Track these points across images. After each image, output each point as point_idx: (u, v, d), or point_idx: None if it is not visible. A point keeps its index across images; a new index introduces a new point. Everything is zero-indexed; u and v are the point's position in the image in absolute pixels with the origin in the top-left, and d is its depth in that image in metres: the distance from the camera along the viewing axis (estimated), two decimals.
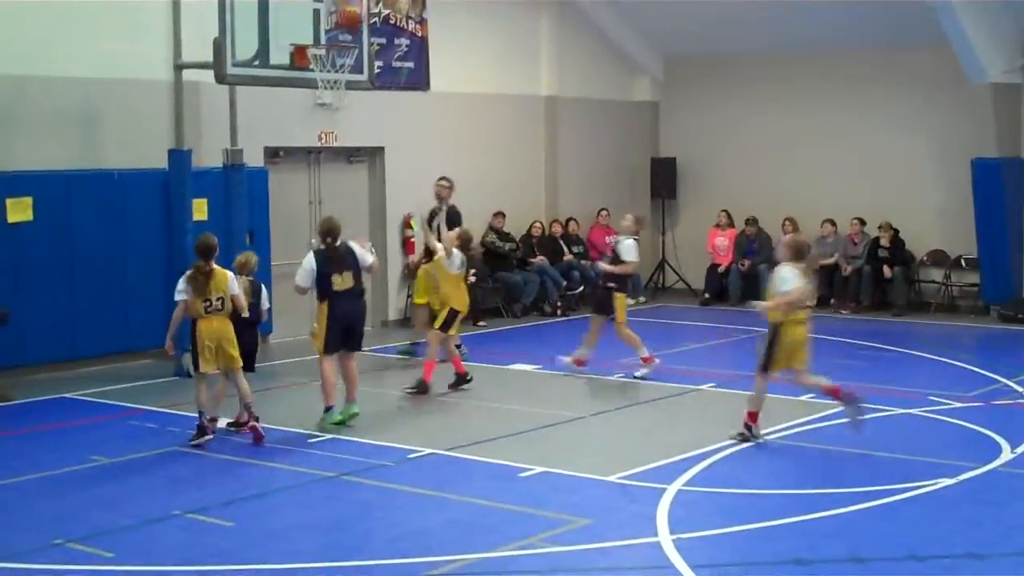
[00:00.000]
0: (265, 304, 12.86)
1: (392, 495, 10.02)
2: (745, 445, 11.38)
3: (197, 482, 10.43)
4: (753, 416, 11.55)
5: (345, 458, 11.05)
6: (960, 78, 19.42)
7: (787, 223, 21.64)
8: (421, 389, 13.68)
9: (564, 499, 9.84)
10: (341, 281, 12.18)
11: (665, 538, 8.74)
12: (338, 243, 12.29)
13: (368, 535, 9.02)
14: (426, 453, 11.23)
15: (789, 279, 11.24)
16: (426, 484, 10.29)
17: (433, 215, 16.13)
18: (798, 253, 11.54)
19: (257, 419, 11.73)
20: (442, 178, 16.57)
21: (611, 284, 14.96)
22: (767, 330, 11.44)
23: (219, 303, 11.56)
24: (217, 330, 11.55)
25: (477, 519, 9.34)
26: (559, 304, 20.34)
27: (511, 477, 10.45)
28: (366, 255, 12.55)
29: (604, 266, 15.10)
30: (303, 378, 14.69)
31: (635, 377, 14.66)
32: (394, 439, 11.73)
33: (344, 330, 12.28)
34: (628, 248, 14.87)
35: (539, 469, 10.60)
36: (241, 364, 11.78)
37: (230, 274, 11.80)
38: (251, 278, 12.62)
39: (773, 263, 21.23)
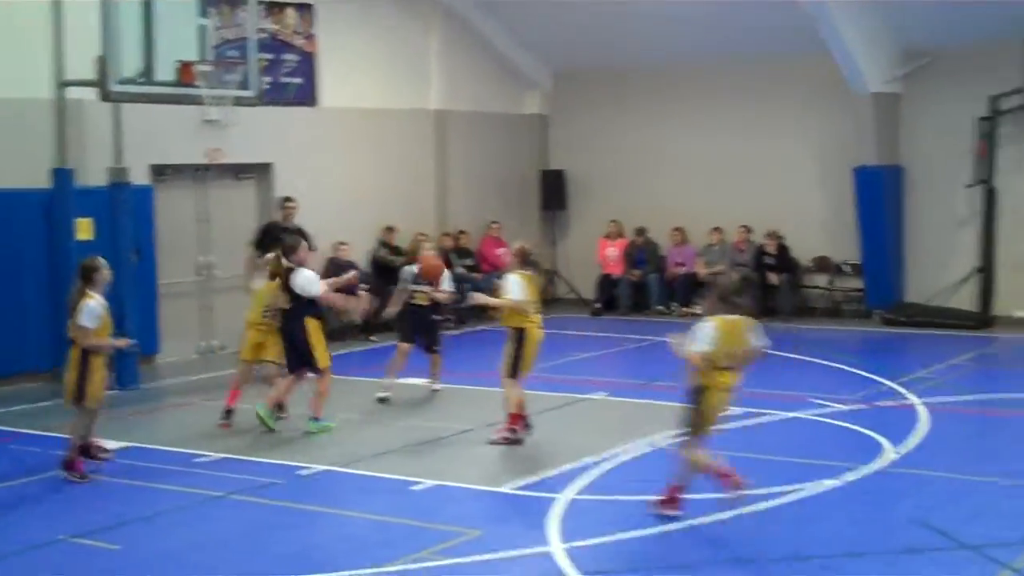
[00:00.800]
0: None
1: (282, 513, 9.97)
2: (640, 452, 11.51)
3: (82, 506, 10.28)
4: (515, 418, 11.98)
5: (233, 477, 10.96)
6: (842, 87, 19.85)
7: (675, 232, 21.96)
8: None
9: (456, 511, 9.87)
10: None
11: (556, 547, 8.81)
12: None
13: (257, 554, 8.96)
14: (316, 470, 11.18)
15: (515, 286, 11.81)
16: (317, 501, 10.26)
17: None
18: (524, 260, 12.01)
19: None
20: (288, 199, 16.37)
21: (439, 317, 14.76)
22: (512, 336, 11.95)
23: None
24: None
25: (369, 534, 9.33)
26: (451, 316, 20.34)
27: (403, 491, 10.45)
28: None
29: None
30: (188, 398, 14.55)
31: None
32: (283, 456, 11.66)
33: None
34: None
35: (431, 482, 10.62)
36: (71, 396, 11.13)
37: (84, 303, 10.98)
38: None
39: (662, 272, 21.77)
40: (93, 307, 10.90)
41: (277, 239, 15.06)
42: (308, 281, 12.41)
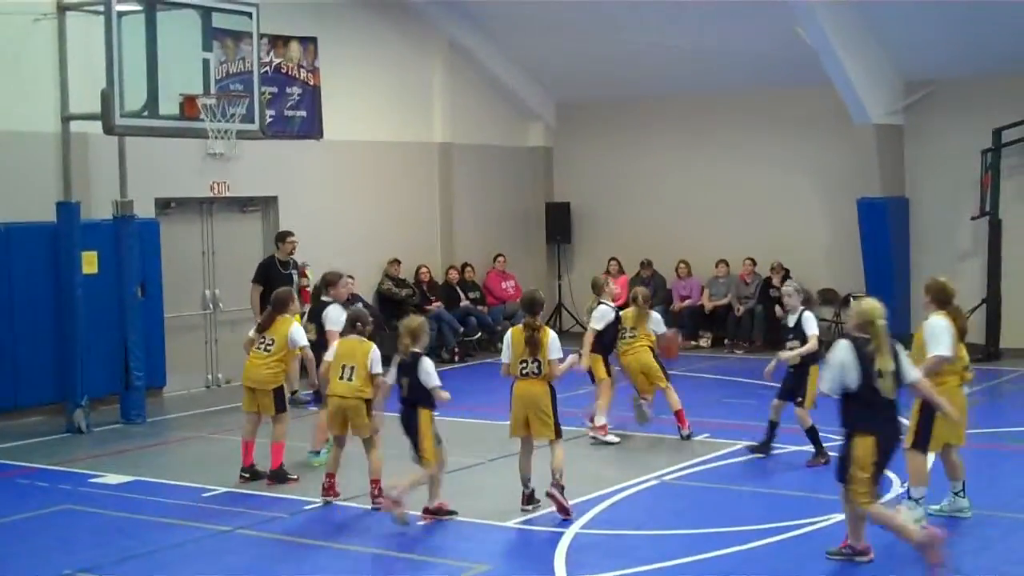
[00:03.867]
0: None
1: (288, 548, 9.92)
2: (644, 487, 11.46)
3: (90, 540, 10.23)
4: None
5: (239, 511, 10.92)
6: (845, 119, 19.86)
7: (681, 265, 21.95)
8: None
9: (463, 546, 9.82)
10: None
11: None
12: None
13: None
14: (322, 504, 11.13)
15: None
16: (322, 535, 10.22)
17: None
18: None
19: None
20: (288, 233, 16.40)
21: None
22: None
23: None
24: None
25: (376, 569, 9.28)
26: (456, 350, 20.33)
27: (410, 525, 10.39)
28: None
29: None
30: (195, 431, 14.51)
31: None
32: (289, 491, 11.61)
33: None
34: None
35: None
36: None
37: None
38: None
39: (668, 305, 21.73)
40: None
41: (275, 274, 15.13)
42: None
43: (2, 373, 15.12)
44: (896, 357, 8.96)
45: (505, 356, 10.75)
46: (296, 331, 11.97)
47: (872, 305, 9.10)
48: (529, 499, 10.65)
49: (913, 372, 9.12)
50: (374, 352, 10.87)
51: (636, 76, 21.85)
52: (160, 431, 14.85)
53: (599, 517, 10.46)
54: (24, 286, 15.25)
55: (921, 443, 9.96)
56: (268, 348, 11.85)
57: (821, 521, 10.11)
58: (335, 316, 12.14)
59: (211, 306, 17.96)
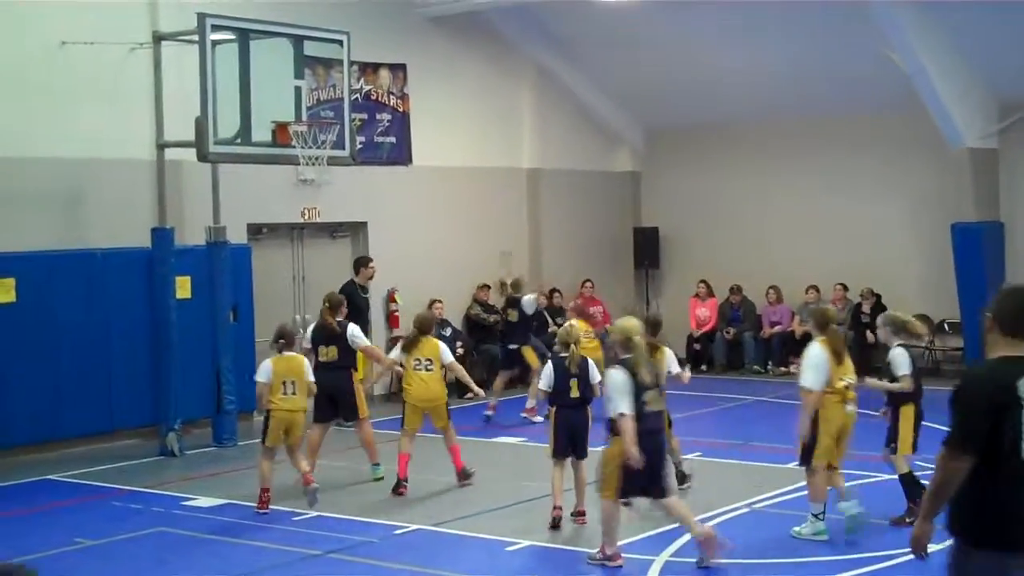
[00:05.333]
0: None
1: (380, 572, 9.93)
2: (735, 514, 11.34)
3: (182, 563, 10.32)
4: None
5: (331, 535, 10.97)
6: (938, 144, 19.59)
7: (771, 291, 21.76)
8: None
9: (552, 573, 9.78)
10: (325, 352, 12.99)
11: None
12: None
13: None
14: (412, 528, 11.16)
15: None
16: (414, 560, 10.22)
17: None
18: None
19: None
20: (368, 258, 16.59)
21: None
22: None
23: None
24: None
25: None
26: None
27: (499, 552, 10.38)
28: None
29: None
30: (285, 455, 14.59)
31: None
32: (379, 515, 11.66)
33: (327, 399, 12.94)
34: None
35: (526, 543, 10.55)
36: None
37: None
38: None
39: (758, 331, 21.55)
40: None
41: (357, 300, 15.35)
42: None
43: (98, 396, 15.37)
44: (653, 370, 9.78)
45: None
46: (444, 349, 12.91)
47: (631, 323, 9.81)
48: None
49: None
50: (307, 364, 12.15)
51: (723, 101, 21.74)
52: (251, 454, 14.90)
53: (688, 545, 10.33)
54: (119, 311, 15.51)
55: (805, 460, 10.56)
56: (429, 368, 12.69)
57: (902, 556, 9.92)
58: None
59: (301, 330, 18.04)
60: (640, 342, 9.62)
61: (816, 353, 10.46)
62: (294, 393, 11.88)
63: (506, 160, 21.55)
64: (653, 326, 12.01)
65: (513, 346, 17.50)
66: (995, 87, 19.45)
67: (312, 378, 12.11)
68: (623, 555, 9.84)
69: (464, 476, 12.91)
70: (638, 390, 9.42)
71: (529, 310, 17.14)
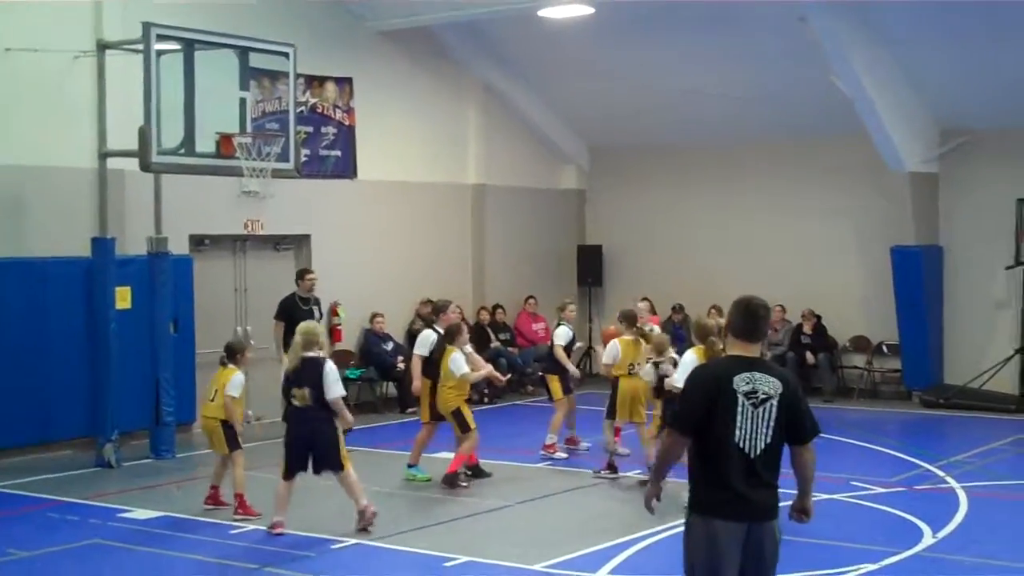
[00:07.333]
0: None
1: None
2: (677, 531, 11.37)
3: (114, 574, 10.23)
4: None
5: (268, 549, 10.91)
6: (880, 167, 19.81)
7: (712, 310, 21.83)
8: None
9: None
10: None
11: None
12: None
13: None
14: (350, 543, 11.11)
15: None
16: (348, 575, 10.17)
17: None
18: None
19: None
20: (307, 270, 16.50)
21: None
22: None
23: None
24: None
25: None
26: (486, 391, 20.28)
27: (436, 567, 10.34)
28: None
29: None
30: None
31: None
32: (316, 528, 11.59)
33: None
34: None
35: (464, 558, 10.52)
36: None
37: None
38: None
39: None
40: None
41: (297, 311, 15.23)
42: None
43: (34, 406, 15.19)
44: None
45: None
46: (455, 359, 13.24)
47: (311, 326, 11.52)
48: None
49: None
50: (235, 378, 12.13)
51: (669, 122, 21.87)
52: (189, 467, 14.85)
53: (628, 561, 10.36)
54: (58, 320, 15.35)
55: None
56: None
57: (850, 571, 10.02)
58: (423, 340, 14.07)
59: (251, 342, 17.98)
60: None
61: (691, 359, 11.79)
62: (213, 400, 12.29)
63: (451, 176, 21.57)
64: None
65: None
66: (936, 112, 19.71)
67: (232, 392, 12.12)
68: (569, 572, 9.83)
69: (452, 482, 13.30)
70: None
71: (561, 341, 15.77)
